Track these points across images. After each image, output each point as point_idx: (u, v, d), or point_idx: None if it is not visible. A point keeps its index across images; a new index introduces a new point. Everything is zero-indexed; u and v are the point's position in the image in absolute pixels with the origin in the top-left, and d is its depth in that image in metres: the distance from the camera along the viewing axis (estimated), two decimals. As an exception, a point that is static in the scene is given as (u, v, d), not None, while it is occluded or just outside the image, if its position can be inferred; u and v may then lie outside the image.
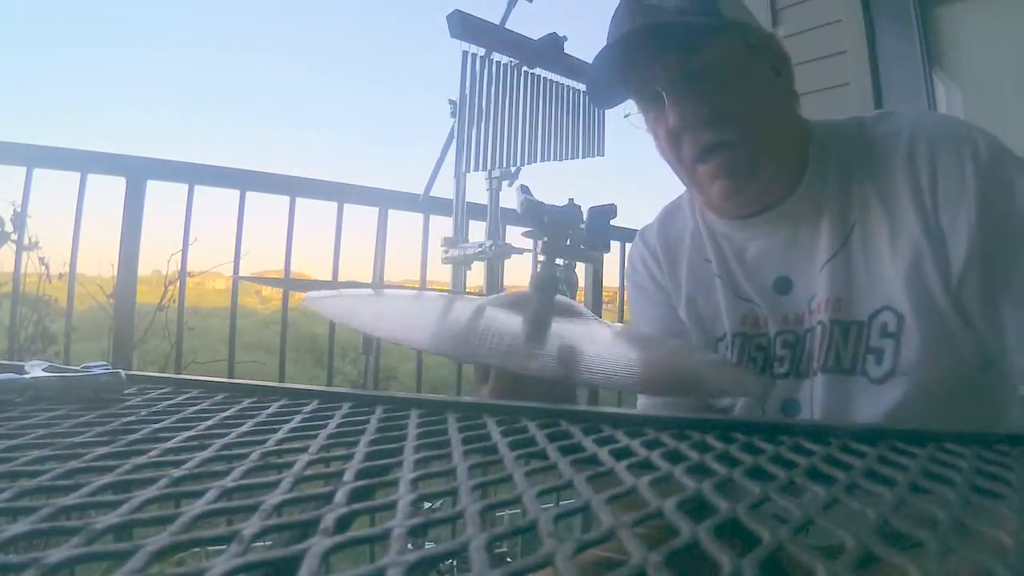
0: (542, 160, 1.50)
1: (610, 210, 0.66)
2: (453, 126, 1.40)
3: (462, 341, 0.54)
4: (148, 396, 0.48)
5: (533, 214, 0.63)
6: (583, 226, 0.63)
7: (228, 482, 0.27)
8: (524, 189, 0.67)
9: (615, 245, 2.37)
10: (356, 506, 0.25)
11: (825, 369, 0.70)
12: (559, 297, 0.64)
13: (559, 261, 0.66)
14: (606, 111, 1.61)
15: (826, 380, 0.70)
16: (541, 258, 0.63)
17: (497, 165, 1.43)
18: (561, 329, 0.59)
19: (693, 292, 0.85)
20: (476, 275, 1.53)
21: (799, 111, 0.77)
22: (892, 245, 0.67)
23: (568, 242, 0.63)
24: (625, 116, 0.79)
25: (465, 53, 1.36)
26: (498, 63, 1.41)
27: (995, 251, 0.62)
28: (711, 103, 0.69)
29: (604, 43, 0.73)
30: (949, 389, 0.66)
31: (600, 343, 0.60)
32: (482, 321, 0.58)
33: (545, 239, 0.63)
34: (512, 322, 0.59)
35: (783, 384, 0.74)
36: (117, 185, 1.63)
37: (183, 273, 1.87)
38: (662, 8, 0.68)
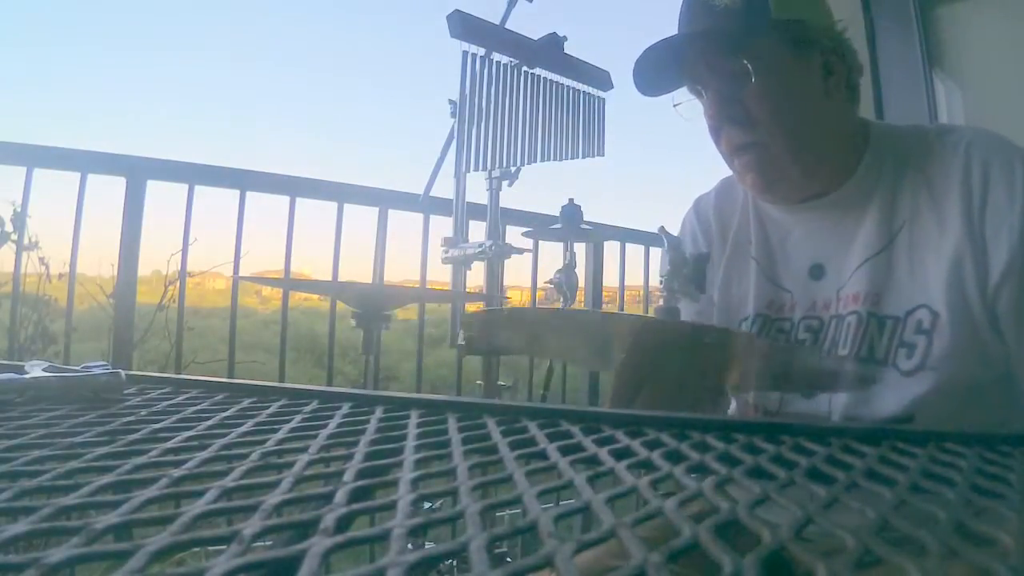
0: (542, 160, 1.49)
1: (707, 256, 0.75)
2: (453, 126, 1.40)
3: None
4: (148, 396, 0.48)
5: (678, 254, 0.73)
6: (687, 271, 0.73)
7: (228, 482, 0.27)
8: (663, 229, 0.77)
9: (616, 244, 2.38)
10: (356, 506, 0.25)
11: (858, 358, 0.72)
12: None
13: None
14: (606, 113, 1.62)
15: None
16: (662, 294, 0.72)
17: (497, 165, 1.43)
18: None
19: (730, 270, 0.88)
20: (476, 275, 1.53)
21: (855, 108, 0.79)
22: (937, 246, 0.70)
23: (676, 284, 0.72)
24: (675, 105, 0.83)
25: (465, 53, 1.35)
26: (498, 63, 1.41)
27: None
28: (745, 106, 0.74)
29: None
30: (974, 388, 0.68)
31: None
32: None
33: (664, 274, 0.72)
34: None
35: None
36: (117, 185, 1.63)
37: (183, 273, 1.87)
38: (712, 7, 0.72)
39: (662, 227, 0.75)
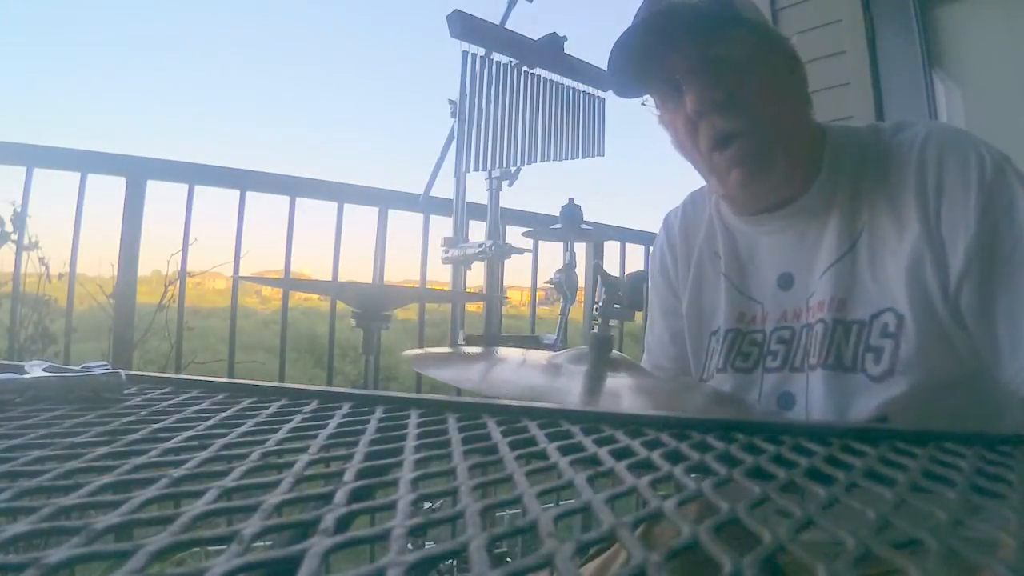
0: (542, 160, 1.49)
1: (644, 275, 0.79)
2: (453, 126, 1.40)
3: (541, 392, 0.67)
4: (148, 396, 0.48)
5: (611, 286, 0.76)
6: (624, 294, 0.77)
7: (228, 482, 0.27)
8: (598, 267, 0.81)
9: (616, 245, 2.39)
10: (356, 506, 0.25)
11: (826, 366, 0.71)
12: (613, 353, 0.76)
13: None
14: (606, 113, 1.62)
15: (826, 376, 0.71)
16: (598, 320, 0.75)
17: (497, 165, 1.43)
18: (612, 382, 0.71)
19: (698, 283, 0.87)
20: (476, 275, 1.54)
21: (812, 114, 0.79)
22: (897, 248, 0.69)
23: (616, 305, 0.76)
24: (643, 103, 0.81)
25: (465, 53, 1.35)
26: (498, 63, 1.41)
27: (991, 264, 0.64)
28: (727, 90, 0.71)
29: (616, 38, 0.74)
30: (945, 389, 0.67)
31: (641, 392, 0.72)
32: (556, 377, 0.72)
33: (600, 303, 0.74)
34: (577, 376, 0.72)
35: (776, 377, 0.76)
36: (117, 185, 1.64)
37: (183, 273, 1.87)
38: (682, 3, 0.71)
39: (597, 263, 0.78)
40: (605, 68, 0.78)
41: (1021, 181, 0.66)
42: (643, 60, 0.75)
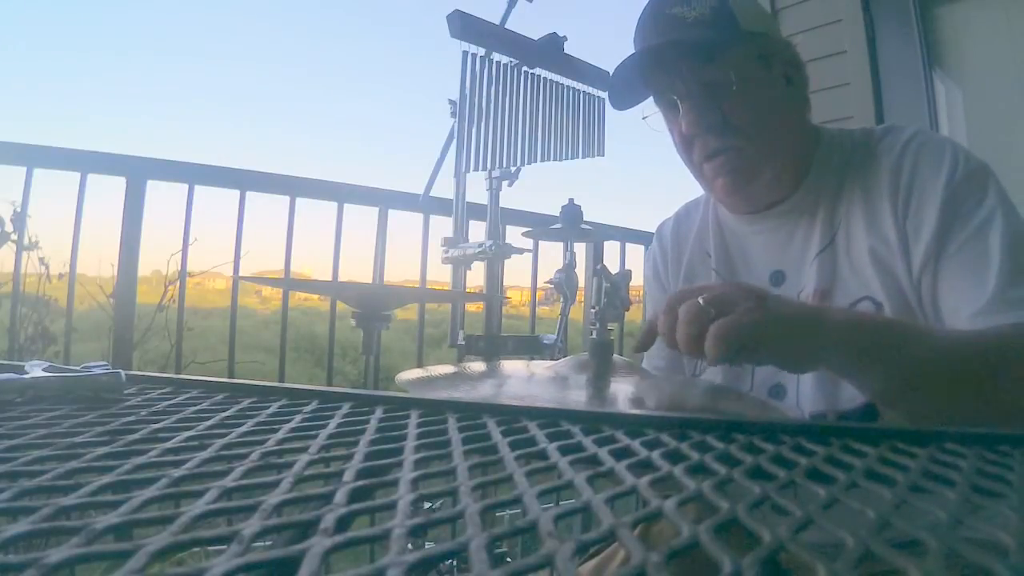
0: (542, 160, 1.49)
1: (628, 274, 0.79)
2: (453, 126, 1.40)
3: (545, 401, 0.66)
4: (148, 396, 0.48)
5: (613, 287, 0.75)
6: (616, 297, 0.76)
7: (228, 482, 0.27)
8: (601, 269, 0.79)
9: (616, 245, 2.39)
10: (356, 506, 0.25)
11: None
12: (615, 358, 0.76)
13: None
14: (606, 113, 1.62)
15: None
16: (595, 325, 0.73)
17: (497, 165, 1.43)
18: (616, 387, 0.71)
19: (689, 282, 0.91)
20: (476, 275, 1.54)
21: (808, 117, 0.82)
22: (869, 240, 0.73)
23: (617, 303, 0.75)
24: (643, 118, 0.85)
25: (465, 53, 1.35)
26: (498, 63, 1.41)
27: (946, 261, 0.68)
28: (721, 112, 0.75)
29: (620, 45, 0.81)
30: None
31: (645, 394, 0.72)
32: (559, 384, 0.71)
33: (596, 308, 0.74)
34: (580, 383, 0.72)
35: (767, 370, 0.79)
36: (117, 185, 1.64)
37: (183, 273, 1.87)
38: (682, 19, 0.73)
39: (600, 267, 0.78)
40: (605, 68, 0.81)
41: (996, 193, 0.68)
42: (643, 80, 0.80)
